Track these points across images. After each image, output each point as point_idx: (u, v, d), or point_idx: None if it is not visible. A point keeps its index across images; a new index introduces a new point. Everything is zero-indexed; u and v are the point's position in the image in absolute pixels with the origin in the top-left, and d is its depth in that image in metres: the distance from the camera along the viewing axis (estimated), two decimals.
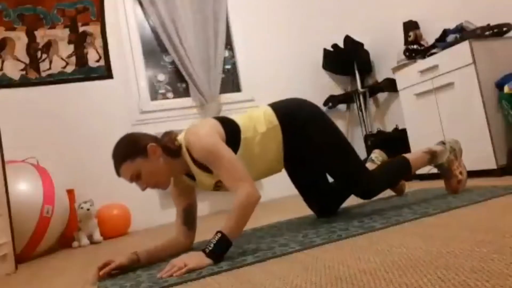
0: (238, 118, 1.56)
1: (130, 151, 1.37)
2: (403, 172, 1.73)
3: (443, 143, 1.80)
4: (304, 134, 1.59)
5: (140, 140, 1.40)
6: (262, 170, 1.59)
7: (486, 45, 2.31)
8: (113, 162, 1.39)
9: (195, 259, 1.19)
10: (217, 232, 1.24)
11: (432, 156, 1.75)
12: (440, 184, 1.93)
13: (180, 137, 1.46)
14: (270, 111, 1.59)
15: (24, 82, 3.02)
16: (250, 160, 1.50)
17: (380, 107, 3.77)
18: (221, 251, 1.22)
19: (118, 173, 1.39)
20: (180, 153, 1.43)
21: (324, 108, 3.84)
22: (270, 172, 1.65)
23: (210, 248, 1.20)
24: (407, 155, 1.74)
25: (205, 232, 2.01)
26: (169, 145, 1.42)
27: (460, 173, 1.76)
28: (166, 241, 1.53)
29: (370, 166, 1.94)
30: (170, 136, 1.46)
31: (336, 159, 1.62)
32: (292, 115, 1.59)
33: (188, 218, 1.57)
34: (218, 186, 1.52)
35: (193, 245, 1.68)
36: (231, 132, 1.47)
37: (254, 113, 1.59)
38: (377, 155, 2.05)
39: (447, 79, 2.44)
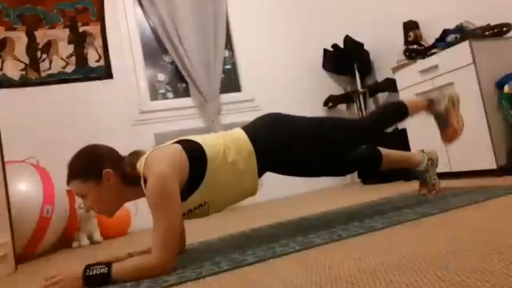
0: (206, 141, 1.39)
1: (84, 170, 1.30)
2: (399, 114, 1.75)
3: (440, 92, 1.82)
4: (284, 156, 1.49)
5: (100, 160, 1.31)
6: (232, 198, 1.46)
7: (486, 45, 2.30)
8: (67, 170, 1.32)
9: (70, 284, 1.15)
10: (108, 264, 1.19)
11: (429, 102, 1.77)
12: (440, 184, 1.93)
13: (140, 164, 1.30)
14: (244, 136, 1.44)
15: (24, 82, 3.02)
16: (218, 189, 1.37)
17: None
18: (97, 284, 1.16)
19: (68, 184, 1.32)
20: (139, 181, 1.28)
21: (324, 108, 3.85)
22: (242, 198, 1.50)
23: (91, 274, 1.16)
24: (403, 100, 1.78)
25: (209, 232, 2.01)
26: (127, 172, 1.32)
27: (457, 122, 1.75)
28: None
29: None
30: (132, 160, 1.34)
31: (330, 151, 1.58)
32: (269, 138, 1.47)
33: None
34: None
35: (193, 245, 1.68)
36: (196, 162, 1.32)
37: (226, 138, 1.43)
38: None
39: (447, 79, 2.44)
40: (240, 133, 1.47)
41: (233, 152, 1.38)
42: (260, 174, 1.47)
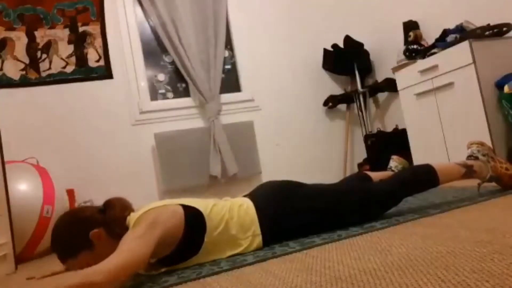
0: (213, 210, 1.29)
1: (70, 247, 1.18)
2: (424, 181, 1.53)
3: (473, 157, 1.63)
4: (297, 223, 1.38)
5: (82, 227, 1.19)
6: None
7: (486, 45, 2.30)
8: (53, 250, 1.20)
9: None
10: None
11: (468, 170, 1.56)
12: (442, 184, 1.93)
13: (133, 217, 1.19)
14: (253, 215, 1.33)
15: (24, 82, 3.02)
16: (215, 248, 1.28)
17: (380, 107, 3.77)
18: None
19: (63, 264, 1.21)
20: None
21: (324, 108, 3.85)
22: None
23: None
24: (434, 163, 1.55)
25: None
26: (114, 229, 1.20)
27: (506, 169, 1.60)
28: None
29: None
30: (117, 216, 1.24)
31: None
32: (279, 220, 1.36)
33: None
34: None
35: None
36: (193, 228, 1.22)
37: (233, 211, 1.32)
38: (397, 164, 1.90)
39: (447, 79, 2.44)
40: (248, 209, 1.35)
41: (236, 230, 1.30)
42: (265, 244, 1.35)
